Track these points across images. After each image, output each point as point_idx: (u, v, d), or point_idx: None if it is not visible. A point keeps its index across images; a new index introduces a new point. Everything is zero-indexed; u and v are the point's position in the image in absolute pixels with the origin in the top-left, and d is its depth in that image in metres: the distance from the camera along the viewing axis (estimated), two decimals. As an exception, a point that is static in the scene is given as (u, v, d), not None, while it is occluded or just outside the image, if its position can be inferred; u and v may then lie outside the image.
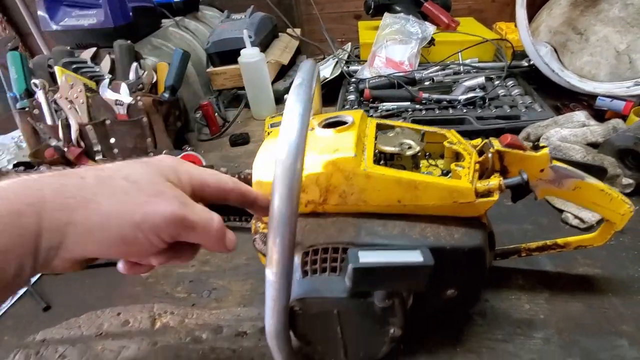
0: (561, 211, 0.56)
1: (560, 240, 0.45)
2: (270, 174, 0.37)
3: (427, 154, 0.44)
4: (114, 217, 0.23)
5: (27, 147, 0.81)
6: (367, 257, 0.27)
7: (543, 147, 0.37)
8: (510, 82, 0.86)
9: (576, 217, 0.54)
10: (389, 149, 0.38)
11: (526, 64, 0.92)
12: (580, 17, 0.84)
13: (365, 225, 0.35)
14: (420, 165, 0.41)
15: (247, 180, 0.54)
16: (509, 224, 0.55)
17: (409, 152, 0.37)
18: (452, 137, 0.43)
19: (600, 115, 0.75)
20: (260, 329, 0.45)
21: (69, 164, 0.69)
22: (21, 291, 0.54)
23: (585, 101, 0.81)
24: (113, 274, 0.55)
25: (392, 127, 0.44)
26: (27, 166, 0.66)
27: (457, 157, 0.41)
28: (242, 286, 0.51)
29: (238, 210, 0.58)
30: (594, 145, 0.62)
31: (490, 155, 0.37)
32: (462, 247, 0.34)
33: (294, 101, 0.28)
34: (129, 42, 0.72)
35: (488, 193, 0.35)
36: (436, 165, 0.43)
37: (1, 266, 0.20)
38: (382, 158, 0.40)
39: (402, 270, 0.27)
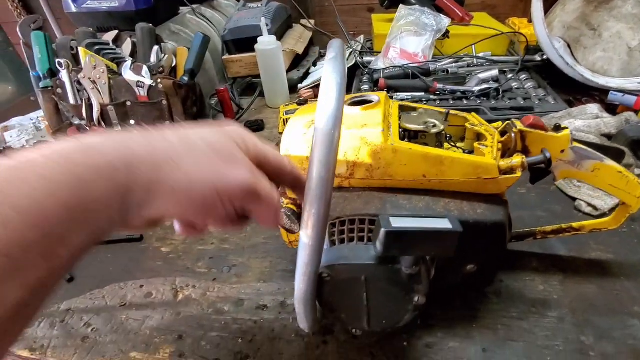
0: (574, 199, 0.57)
1: (575, 224, 0.46)
2: (298, 148, 0.39)
3: (448, 135, 0.45)
4: (198, 180, 0.23)
5: (45, 128, 0.83)
6: (399, 223, 0.28)
7: (564, 128, 0.38)
8: (524, 76, 0.87)
9: (589, 204, 0.55)
10: (414, 126, 0.39)
11: (539, 59, 0.92)
12: (594, 13, 0.84)
13: (390, 199, 0.36)
14: (443, 145, 0.42)
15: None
16: (522, 210, 0.56)
17: (434, 130, 0.39)
18: (473, 120, 0.44)
19: (611, 110, 0.76)
20: (281, 302, 0.47)
21: (90, 143, 0.71)
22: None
23: (597, 96, 0.82)
24: (134, 249, 0.57)
25: (414, 109, 0.46)
26: (50, 144, 0.67)
27: (479, 138, 0.42)
28: (261, 263, 0.52)
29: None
30: (607, 136, 0.63)
31: (513, 134, 0.38)
32: (484, 222, 0.35)
33: (330, 72, 0.29)
34: (150, 25, 0.74)
35: (511, 170, 0.36)
36: (457, 147, 0.44)
37: (95, 218, 0.20)
38: (405, 136, 0.41)
39: (432, 235, 0.28)
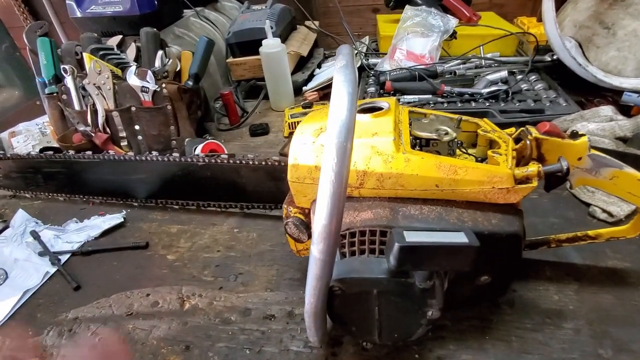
0: (588, 205, 0.56)
1: (591, 232, 0.44)
2: (307, 157, 0.38)
3: (459, 142, 0.44)
4: None
5: (51, 133, 0.83)
6: (413, 237, 0.27)
7: (582, 135, 0.37)
8: (533, 77, 0.86)
9: (604, 210, 0.54)
10: (425, 134, 0.38)
11: (549, 59, 0.90)
12: (608, 11, 0.82)
13: (401, 209, 0.35)
14: (455, 153, 0.41)
15: (274, 167, 0.55)
16: (534, 217, 0.55)
17: (446, 138, 0.37)
18: (485, 126, 0.42)
19: (625, 111, 0.74)
20: (288, 312, 0.46)
21: (96, 148, 0.70)
22: (52, 271, 0.55)
23: (610, 97, 0.80)
24: (140, 256, 0.57)
25: (425, 115, 0.45)
26: (56, 150, 0.67)
27: (491, 145, 0.41)
28: (267, 271, 0.52)
29: (260, 197, 0.59)
30: (622, 139, 0.62)
31: (528, 142, 0.37)
32: (500, 233, 0.34)
33: (341, 81, 0.28)
34: (154, 29, 0.73)
35: (526, 180, 0.35)
36: (468, 154, 0.43)
37: None
38: (417, 144, 0.40)
39: (447, 250, 0.27)
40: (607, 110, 0.67)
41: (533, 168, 0.35)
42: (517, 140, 0.39)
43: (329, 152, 0.25)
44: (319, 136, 0.38)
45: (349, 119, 0.26)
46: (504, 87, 0.78)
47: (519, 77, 0.84)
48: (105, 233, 0.61)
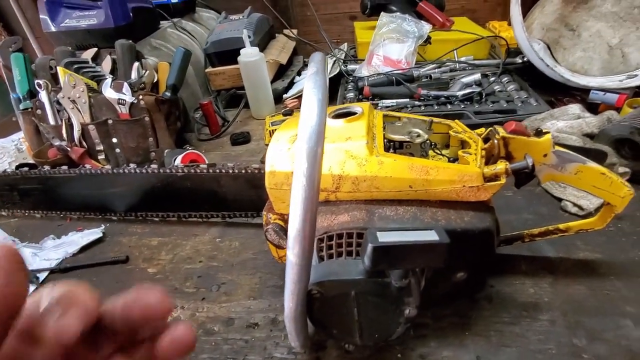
0: (560, 200, 0.58)
1: (562, 225, 0.46)
2: (283, 163, 0.38)
3: (433, 143, 0.45)
4: None
5: (27, 149, 0.81)
6: (386, 237, 0.28)
7: (546, 132, 0.39)
8: (505, 79, 0.89)
9: (575, 204, 0.56)
10: (398, 137, 0.39)
11: (520, 61, 0.94)
12: (572, 14, 0.86)
13: (377, 211, 0.36)
14: (428, 154, 0.42)
15: (254, 175, 0.55)
16: (509, 214, 0.56)
17: (418, 140, 0.39)
18: (457, 127, 0.44)
19: (593, 109, 0.77)
20: (272, 320, 0.46)
21: (72, 163, 0.69)
22: (31, 289, 0.53)
23: (579, 95, 0.83)
24: (120, 271, 0.56)
25: (398, 119, 0.46)
26: (31, 167, 0.66)
27: (463, 145, 0.42)
28: (250, 280, 0.52)
29: (242, 205, 0.59)
30: (589, 136, 0.64)
31: (496, 141, 0.38)
32: (472, 230, 0.35)
33: (311, 88, 0.28)
34: (130, 41, 0.73)
35: (495, 177, 0.36)
36: (441, 154, 0.44)
37: None
38: (390, 147, 0.41)
39: (419, 248, 0.28)
40: (575, 108, 0.70)
41: (501, 166, 0.36)
42: (486, 140, 0.40)
43: (300, 158, 0.26)
44: (294, 142, 0.39)
45: (319, 125, 0.27)
46: (478, 89, 0.80)
47: (492, 79, 0.87)
48: (84, 249, 0.60)
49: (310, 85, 0.29)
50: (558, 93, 0.85)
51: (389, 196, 0.37)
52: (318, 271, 0.32)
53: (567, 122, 0.66)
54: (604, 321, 0.41)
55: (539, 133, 0.39)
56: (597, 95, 0.78)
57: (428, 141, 0.40)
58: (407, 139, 0.39)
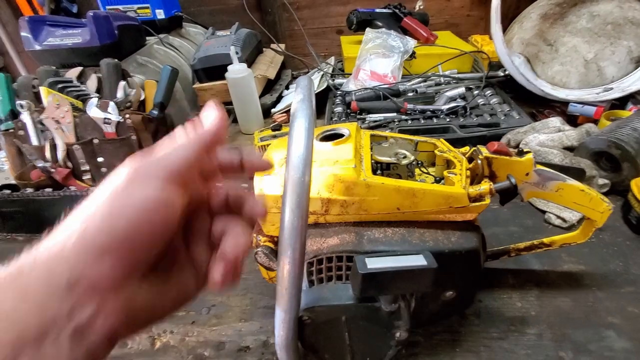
0: (544, 212, 0.59)
1: (546, 240, 0.47)
2: (272, 187, 0.39)
3: (419, 162, 0.46)
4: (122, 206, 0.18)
5: (9, 170, 0.79)
6: (374, 264, 0.28)
7: (527, 152, 0.40)
8: (489, 92, 0.91)
9: (558, 217, 0.57)
10: (385, 159, 0.40)
11: (502, 74, 0.96)
12: (550, 29, 0.89)
13: (366, 233, 0.36)
14: (415, 174, 0.43)
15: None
16: (496, 227, 0.58)
17: (405, 162, 0.39)
18: (442, 146, 0.45)
19: (572, 121, 0.80)
20: (263, 342, 0.45)
21: (57, 184, 0.68)
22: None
23: (558, 107, 0.86)
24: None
25: (386, 138, 0.46)
26: (13, 189, 0.64)
27: (448, 164, 0.43)
28: (241, 301, 0.51)
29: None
30: (569, 149, 0.66)
31: (479, 161, 0.39)
32: (459, 250, 0.36)
33: (299, 117, 0.29)
34: (115, 60, 0.72)
35: (480, 197, 0.37)
36: (428, 173, 0.45)
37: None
38: (378, 168, 0.41)
39: (407, 274, 0.28)
40: (555, 121, 0.72)
41: (485, 186, 0.37)
42: (470, 159, 0.42)
43: (288, 188, 0.26)
44: (282, 166, 0.39)
45: (306, 154, 0.27)
46: (462, 103, 0.82)
47: (476, 92, 0.89)
48: (70, 272, 0.59)
49: (297, 114, 0.29)
50: (539, 105, 0.88)
51: (377, 218, 0.37)
52: (308, 296, 0.33)
53: (549, 135, 0.69)
54: (588, 333, 0.42)
55: (520, 153, 0.40)
56: (576, 108, 0.81)
57: (414, 162, 0.41)
58: (394, 161, 0.40)
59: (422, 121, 0.81)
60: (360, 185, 0.36)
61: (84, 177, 0.71)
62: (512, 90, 0.92)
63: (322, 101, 0.96)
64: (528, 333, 0.43)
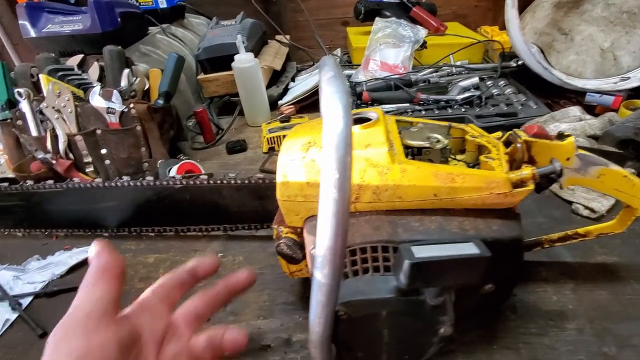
0: (570, 203, 0.57)
1: (581, 230, 0.45)
2: (297, 174, 0.36)
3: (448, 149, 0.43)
4: None
5: (6, 162, 0.75)
6: (422, 252, 0.26)
7: (568, 135, 0.37)
8: (502, 82, 0.89)
9: (586, 207, 0.55)
10: (417, 143, 0.37)
11: (514, 65, 0.94)
12: (564, 18, 0.87)
13: (401, 222, 0.34)
14: (448, 160, 0.40)
15: (259, 185, 0.52)
16: (523, 218, 0.55)
17: (439, 146, 0.37)
18: (472, 131, 0.42)
19: (590, 111, 0.78)
20: (285, 340, 0.43)
21: (58, 176, 0.65)
22: (12, 317, 0.49)
23: (574, 98, 0.84)
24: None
25: (411, 124, 0.44)
26: (11, 182, 0.61)
27: (480, 150, 0.41)
28: (259, 297, 0.48)
29: (245, 218, 0.55)
30: (593, 137, 0.64)
31: (519, 145, 0.37)
32: (502, 239, 0.33)
33: (332, 92, 0.26)
34: (119, 47, 0.69)
35: (522, 183, 0.34)
36: (458, 160, 0.42)
37: None
38: (409, 153, 0.39)
39: (459, 263, 0.26)
40: (575, 110, 0.70)
41: (527, 171, 0.34)
42: (506, 143, 0.39)
43: (329, 168, 0.23)
44: (309, 150, 0.36)
45: (346, 131, 0.24)
46: (477, 93, 0.80)
47: (489, 82, 0.87)
48: (73, 269, 0.55)
49: (331, 89, 0.26)
50: (553, 96, 0.86)
51: (412, 206, 0.35)
52: (344, 290, 0.30)
53: (570, 124, 0.66)
54: (630, 327, 0.40)
55: (561, 136, 0.37)
56: (593, 98, 0.79)
57: (448, 147, 0.38)
58: (427, 145, 0.37)
59: (437, 111, 0.79)
60: (394, 170, 0.33)
61: (87, 169, 0.67)
62: (525, 80, 0.89)
63: (331, 92, 0.93)
64: (568, 328, 0.40)
